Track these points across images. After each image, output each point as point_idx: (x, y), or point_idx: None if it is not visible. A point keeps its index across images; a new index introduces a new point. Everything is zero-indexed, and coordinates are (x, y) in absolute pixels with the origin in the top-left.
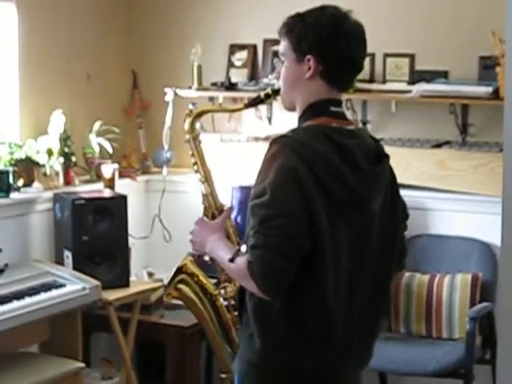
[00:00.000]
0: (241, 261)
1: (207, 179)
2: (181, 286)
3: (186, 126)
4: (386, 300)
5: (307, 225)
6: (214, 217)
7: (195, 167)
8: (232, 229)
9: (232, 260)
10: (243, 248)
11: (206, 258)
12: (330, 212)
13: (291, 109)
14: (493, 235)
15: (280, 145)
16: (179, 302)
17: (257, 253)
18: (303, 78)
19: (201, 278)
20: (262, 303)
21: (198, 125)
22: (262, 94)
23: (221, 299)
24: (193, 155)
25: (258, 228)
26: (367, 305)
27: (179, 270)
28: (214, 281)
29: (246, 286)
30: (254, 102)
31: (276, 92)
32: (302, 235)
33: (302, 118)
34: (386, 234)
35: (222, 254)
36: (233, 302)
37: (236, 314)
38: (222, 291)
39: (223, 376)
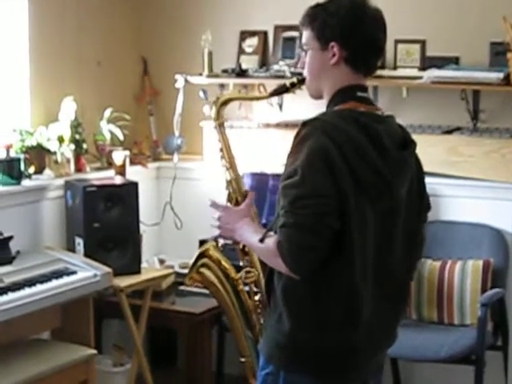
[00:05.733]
0: (269, 241)
1: (232, 165)
2: (203, 270)
3: (213, 113)
4: (408, 287)
5: (336, 204)
6: (237, 202)
7: (221, 153)
8: (255, 214)
9: (262, 240)
10: (271, 232)
11: (221, 242)
12: (357, 193)
13: (317, 97)
14: (504, 221)
15: (310, 127)
16: (191, 289)
17: (287, 231)
18: (328, 66)
19: (223, 262)
20: (291, 284)
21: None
22: (288, 82)
23: (241, 284)
24: (219, 141)
25: (289, 207)
26: (392, 290)
27: (201, 255)
28: (237, 268)
29: (274, 266)
30: (280, 91)
31: (301, 81)
32: (332, 214)
33: (330, 105)
34: (411, 222)
35: (252, 236)
36: (254, 288)
37: (257, 299)
38: (243, 275)
39: (243, 360)
